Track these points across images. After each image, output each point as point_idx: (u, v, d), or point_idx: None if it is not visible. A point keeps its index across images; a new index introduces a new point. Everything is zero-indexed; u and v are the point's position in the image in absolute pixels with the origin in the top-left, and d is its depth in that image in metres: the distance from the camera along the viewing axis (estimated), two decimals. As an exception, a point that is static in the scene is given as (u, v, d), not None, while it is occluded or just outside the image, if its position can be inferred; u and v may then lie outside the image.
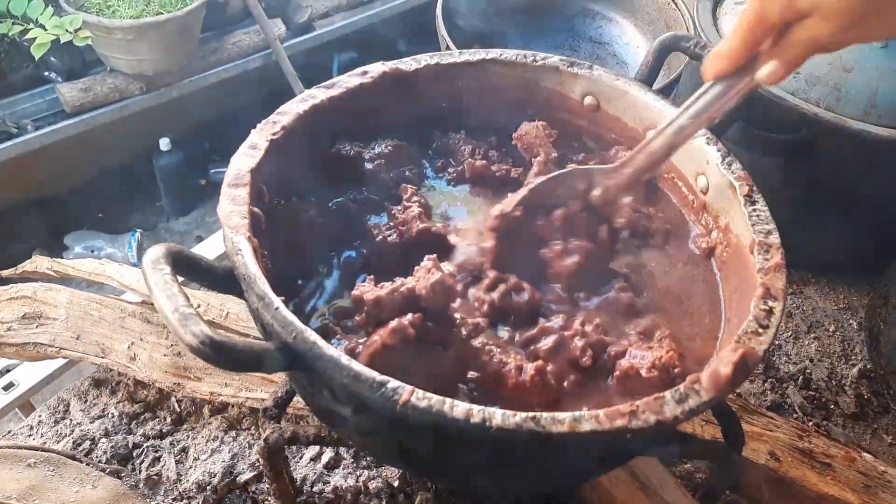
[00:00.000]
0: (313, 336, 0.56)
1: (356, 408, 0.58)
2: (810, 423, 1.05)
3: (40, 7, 2.13)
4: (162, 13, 2.38)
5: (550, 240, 0.75)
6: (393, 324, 0.62)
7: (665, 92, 1.32)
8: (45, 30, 2.10)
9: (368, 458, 0.94)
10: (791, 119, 1.08)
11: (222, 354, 0.52)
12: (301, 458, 0.96)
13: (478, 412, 0.53)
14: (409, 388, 0.54)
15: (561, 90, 0.88)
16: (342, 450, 0.95)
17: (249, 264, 0.61)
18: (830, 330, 1.21)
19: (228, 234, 0.63)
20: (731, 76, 0.65)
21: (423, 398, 0.53)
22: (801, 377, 1.13)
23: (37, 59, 2.16)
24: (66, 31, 2.13)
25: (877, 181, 1.11)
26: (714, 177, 0.76)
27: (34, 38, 2.10)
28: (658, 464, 0.84)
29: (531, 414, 0.53)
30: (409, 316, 0.62)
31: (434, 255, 0.67)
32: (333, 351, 0.55)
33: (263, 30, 2.84)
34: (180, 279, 0.56)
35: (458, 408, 0.53)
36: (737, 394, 1.07)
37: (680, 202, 0.83)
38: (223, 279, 0.63)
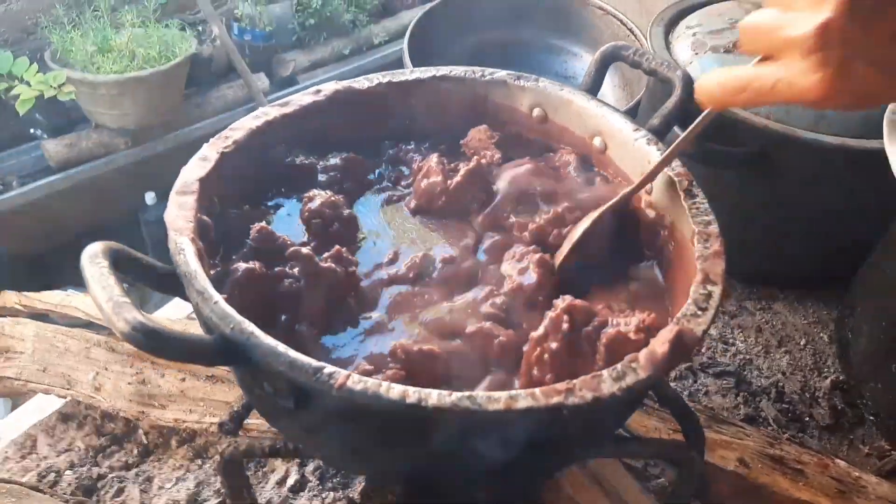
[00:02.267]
0: (251, 327, 0.56)
1: (297, 399, 0.58)
2: (785, 435, 1.04)
3: (25, 64, 2.20)
4: (146, 68, 2.44)
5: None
6: None
7: (631, 113, 1.35)
8: (30, 86, 2.16)
9: (334, 480, 0.93)
10: (743, 132, 1.10)
11: (155, 340, 0.52)
12: (266, 483, 0.94)
13: (413, 392, 0.53)
14: (344, 371, 0.54)
15: (510, 103, 0.90)
16: (307, 472, 0.94)
17: (191, 262, 0.61)
18: (801, 344, 1.21)
19: (172, 236, 0.64)
20: None
21: (359, 381, 0.54)
22: (773, 390, 1.13)
23: (21, 115, 2.21)
24: (51, 86, 2.19)
25: (831, 190, 1.12)
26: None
27: (18, 95, 2.15)
28: (622, 469, 0.83)
29: (467, 393, 0.53)
30: None
31: None
32: (270, 340, 0.56)
33: (248, 84, 2.92)
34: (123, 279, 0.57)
35: (394, 389, 0.53)
36: (708, 408, 1.07)
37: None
38: (164, 279, 0.63)
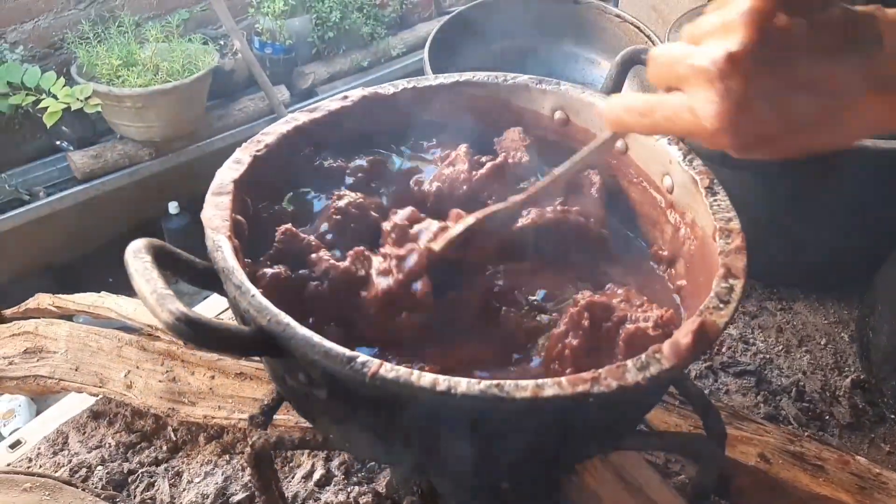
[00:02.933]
0: (287, 318, 0.59)
1: (330, 388, 0.60)
2: (805, 433, 1.05)
3: (52, 78, 2.26)
4: (169, 81, 2.50)
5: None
6: None
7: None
8: (57, 99, 2.21)
9: (359, 475, 0.95)
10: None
11: (197, 330, 0.54)
12: (293, 477, 0.96)
13: (443, 381, 0.55)
14: (377, 361, 0.56)
15: (532, 107, 0.92)
16: (333, 466, 0.95)
17: (228, 258, 0.64)
18: (822, 343, 1.22)
19: (210, 234, 0.67)
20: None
21: (391, 370, 0.55)
22: (794, 389, 1.13)
23: (48, 127, 2.27)
24: (77, 99, 2.24)
25: (850, 191, 1.13)
26: (678, 175, 0.79)
27: (46, 108, 2.20)
28: (643, 463, 0.84)
29: (495, 381, 0.55)
30: None
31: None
32: (305, 331, 0.58)
33: (268, 96, 2.97)
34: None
35: (425, 377, 0.55)
36: (729, 405, 1.07)
37: (649, 204, 0.86)
38: (203, 275, 0.66)
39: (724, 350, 1.19)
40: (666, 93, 0.53)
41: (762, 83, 0.46)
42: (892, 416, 1.10)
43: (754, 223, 1.20)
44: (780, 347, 1.20)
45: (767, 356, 1.19)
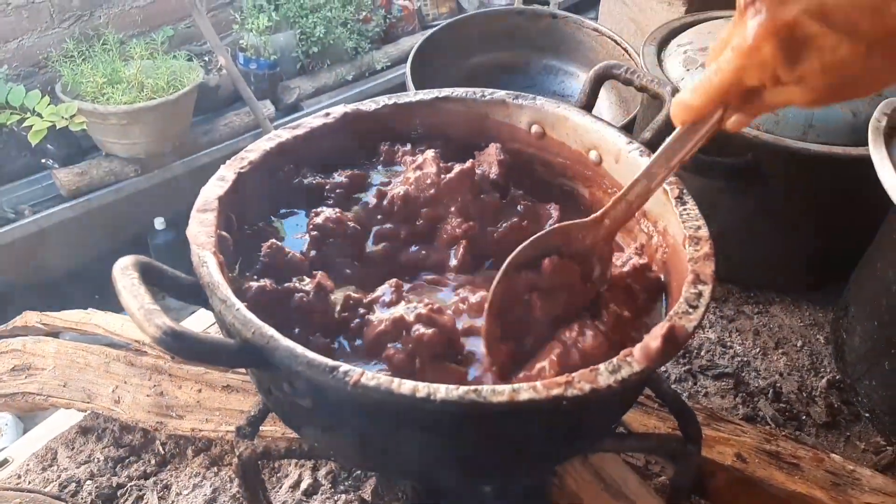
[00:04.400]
0: (270, 330, 0.61)
1: (314, 397, 0.62)
2: (781, 433, 1.07)
3: (37, 97, 2.26)
4: (155, 98, 2.51)
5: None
6: None
7: (627, 128, 1.40)
8: (42, 118, 2.22)
9: (346, 483, 0.96)
10: (735, 144, 1.15)
11: (184, 344, 0.56)
12: (280, 487, 0.98)
13: (423, 387, 0.57)
14: (358, 370, 0.58)
15: (510, 121, 0.95)
16: (320, 476, 0.97)
17: (213, 273, 0.66)
18: (798, 345, 1.25)
19: (195, 250, 0.69)
20: (698, 123, 0.65)
21: (372, 378, 0.58)
22: (771, 391, 1.16)
23: (34, 145, 2.28)
24: (62, 117, 2.25)
25: (820, 197, 1.17)
26: (649, 185, 0.82)
27: (31, 126, 2.21)
28: (623, 465, 0.86)
29: (472, 387, 0.57)
30: None
31: None
32: (288, 342, 0.60)
33: (253, 111, 2.98)
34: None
35: (405, 385, 0.57)
36: (707, 407, 1.10)
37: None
38: (189, 290, 0.68)
39: (702, 353, 1.21)
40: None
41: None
42: (867, 415, 1.12)
43: (730, 229, 1.24)
44: (758, 350, 1.23)
45: (745, 359, 1.21)
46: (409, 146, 0.93)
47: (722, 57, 0.58)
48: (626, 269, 0.78)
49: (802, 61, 0.53)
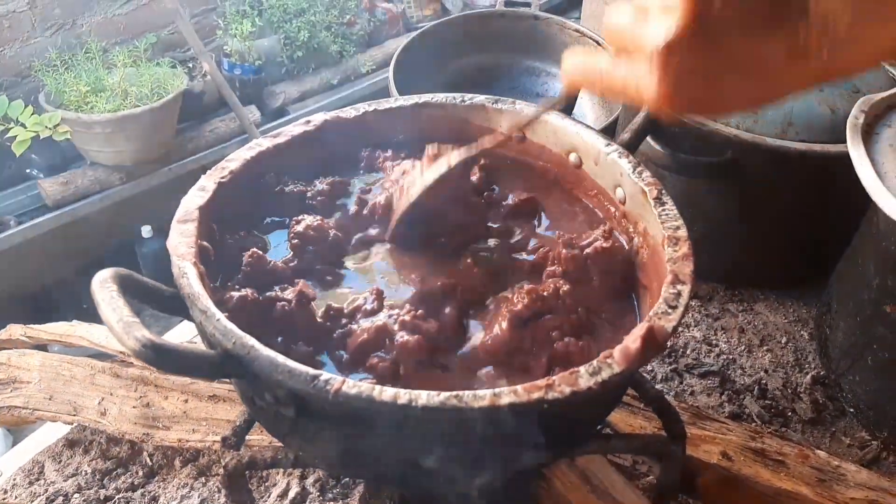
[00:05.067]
0: (251, 340, 0.61)
1: (297, 407, 0.62)
2: (768, 430, 1.08)
3: (20, 107, 2.25)
4: (139, 106, 2.50)
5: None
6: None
7: (609, 129, 1.41)
8: (26, 127, 2.21)
9: (334, 491, 0.96)
10: (715, 142, 1.15)
11: (164, 356, 0.56)
12: (269, 496, 0.98)
13: (404, 394, 0.57)
14: (339, 378, 0.58)
15: (490, 125, 0.95)
16: (308, 484, 0.97)
17: (194, 284, 0.66)
18: (783, 342, 1.25)
19: (176, 261, 0.69)
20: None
21: (353, 386, 0.58)
22: (756, 388, 1.17)
23: (18, 155, 2.27)
24: (46, 127, 2.24)
25: (800, 194, 1.18)
26: (628, 186, 0.83)
27: (15, 136, 2.20)
28: (609, 466, 0.87)
29: (453, 393, 0.58)
30: None
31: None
32: (269, 352, 0.60)
33: (239, 117, 2.98)
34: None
35: (386, 392, 0.57)
36: (693, 406, 1.11)
37: (604, 215, 0.89)
38: (170, 301, 0.68)
39: (688, 352, 1.22)
40: (616, 56, 0.59)
41: (695, 63, 0.52)
42: (851, 410, 1.13)
43: (714, 228, 1.25)
44: (743, 347, 1.24)
45: (730, 356, 1.22)
46: (390, 152, 0.93)
47: (621, 70, 0.57)
48: (588, 249, 0.79)
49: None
